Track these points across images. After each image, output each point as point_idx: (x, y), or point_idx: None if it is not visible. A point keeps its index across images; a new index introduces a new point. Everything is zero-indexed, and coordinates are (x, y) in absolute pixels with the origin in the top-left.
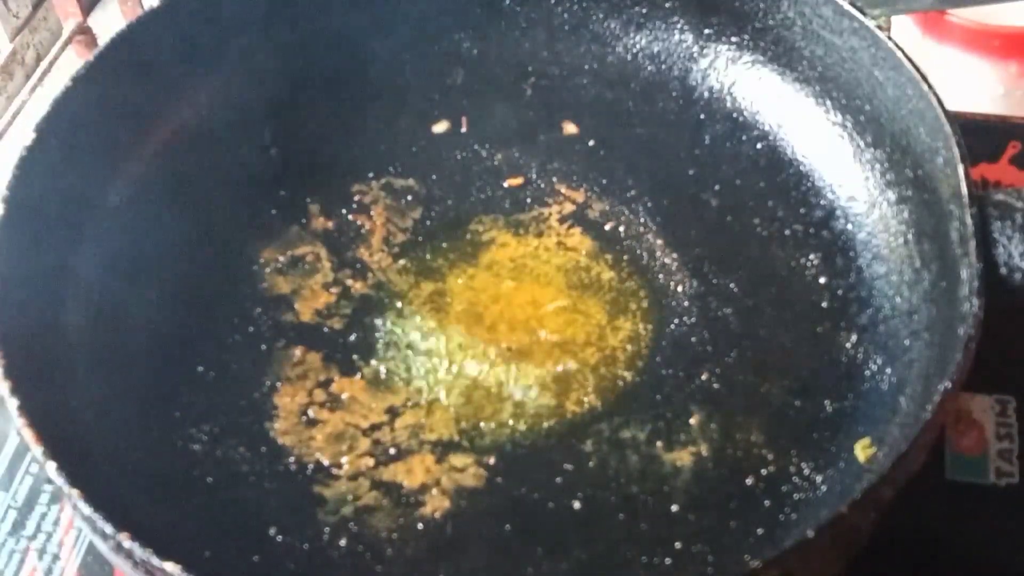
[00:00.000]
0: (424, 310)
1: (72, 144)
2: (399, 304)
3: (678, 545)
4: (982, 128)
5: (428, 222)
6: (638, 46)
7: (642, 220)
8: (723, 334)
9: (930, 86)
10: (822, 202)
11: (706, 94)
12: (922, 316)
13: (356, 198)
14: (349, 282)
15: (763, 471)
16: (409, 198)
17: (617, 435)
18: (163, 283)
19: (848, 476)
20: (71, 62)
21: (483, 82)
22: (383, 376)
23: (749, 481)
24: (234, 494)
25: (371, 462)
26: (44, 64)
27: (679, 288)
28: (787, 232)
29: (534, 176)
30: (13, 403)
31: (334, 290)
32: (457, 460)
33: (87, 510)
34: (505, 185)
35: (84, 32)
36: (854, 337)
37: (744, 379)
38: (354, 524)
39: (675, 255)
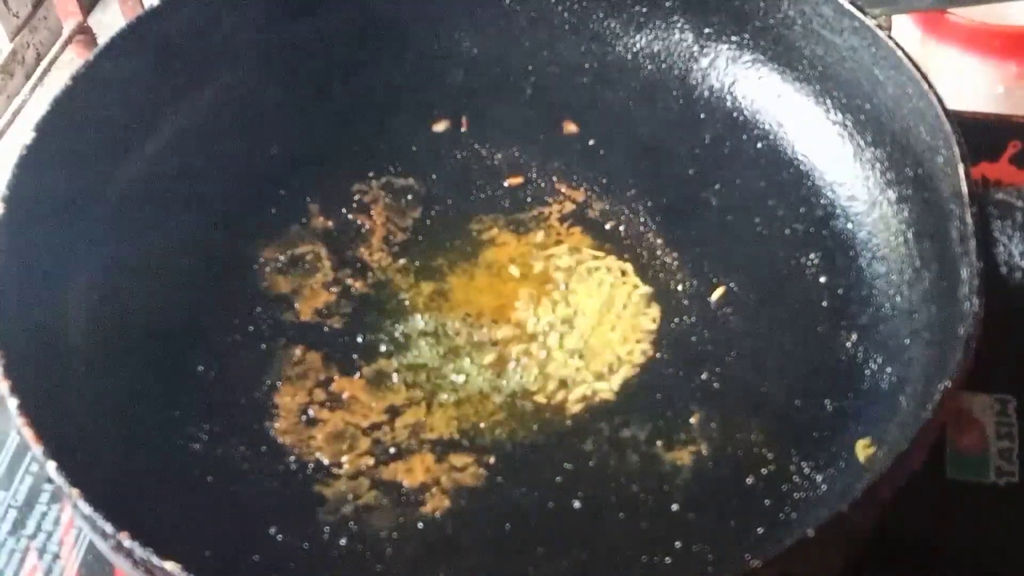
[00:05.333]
0: (424, 309)
1: (72, 144)
2: (399, 303)
3: (678, 544)
4: (982, 127)
5: (428, 221)
6: (638, 45)
7: (642, 219)
8: (723, 334)
9: (930, 85)
10: (822, 201)
11: (706, 93)
12: (922, 315)
13: (356, 197)
14: (349, 281)
15: (763, 470)
16: (409, 197)
17: (617, 434)
18: (163, 282)
19: (848, 475)
20: (71, 61)
21: (483, 81)
22: (383, 375)
23: (749, 480)
24: (234, 493)
25: (371, 461)
26: (44, 63)
27: (679, 288)
28: (787, 231)
29: (534, 175)
30: (13, 402)
31: (334, 289)
32: (457, 459)
33: (87, 509)
34: (505, 184)
35: (84, 31)
36: (854, 336)
37: (744, 379)
38: (354, 523)
39: (675, 255)
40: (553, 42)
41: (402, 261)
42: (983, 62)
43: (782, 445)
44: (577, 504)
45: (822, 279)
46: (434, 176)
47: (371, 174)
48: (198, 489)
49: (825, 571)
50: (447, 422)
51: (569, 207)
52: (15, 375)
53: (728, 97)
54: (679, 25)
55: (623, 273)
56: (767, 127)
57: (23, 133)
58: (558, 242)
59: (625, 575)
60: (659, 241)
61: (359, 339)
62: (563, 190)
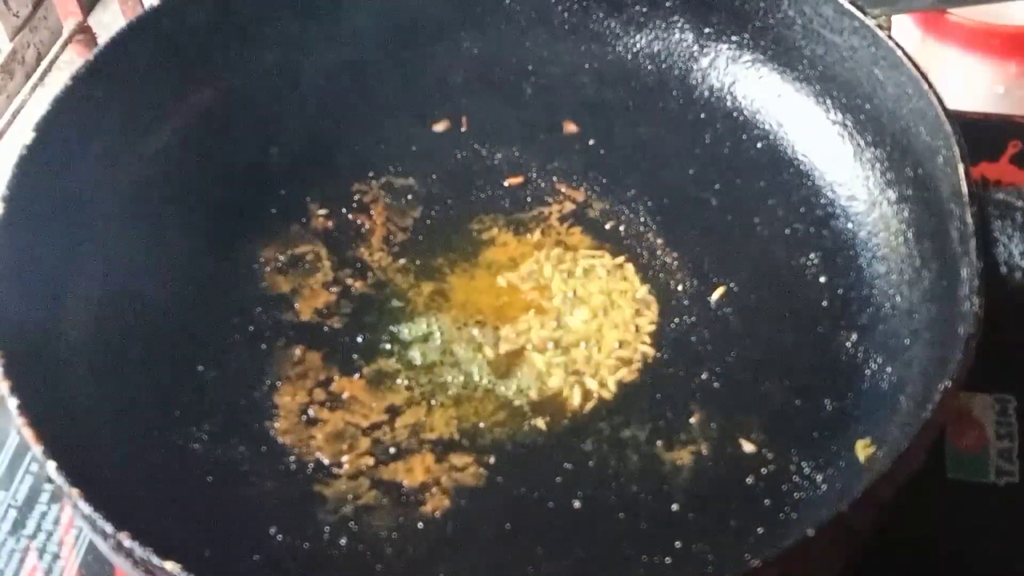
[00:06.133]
0: (424, 309)
1: (72, 143)
2: (399, 303)
3: (678, 544)
4: (982, 127)
5: (428, 221)
6: (638, 45)
7: (642, 219)
8: (723, 334)
9: (930, 85)
10: (822, 201)
11: (706, 93)
12: (922, 315)
13: (356, 197)
14: (349, 281)
15: (763, 470)
16: (409, 197)
17: (617, 434)
18: (163, 282)
19: (848, 475)
20: (71, 61)
21: (483, 81)
22: (383, 375)
23: (749, 480)
24: (234, 493)
25: (371, 461)
26: (44, 63)
27: (679, 288)
28: (787, 231)
29: (534, 175)
30: (13, 402)
31: (334, 289)
32: (457, 459)
33: (87, 509)
34: (505, 184)
35: (84, 31)
36: (854, 336)
37: (744, 379)
38: (354, 523)
39: (675, 255)
40: (553, 42)
41: (402, 261)
42: (983, 62)
43: (782, 445)
44: (577, 504)
45: (822, 279)
46: (434, 176)
47: (371, 174)
48: (198, 489)
49: (825, 571)
50: (447, 422)
51: (569, 207)
52: (15, 375)
53: (728, 97)
54: (679, 25)
55: (623, 273)
56: (767, 127)
57: (23, 133)
58: (558, 242)
59: (625, 575)
60: (659, 241)
61: (359, 339)
62: (563, 190)
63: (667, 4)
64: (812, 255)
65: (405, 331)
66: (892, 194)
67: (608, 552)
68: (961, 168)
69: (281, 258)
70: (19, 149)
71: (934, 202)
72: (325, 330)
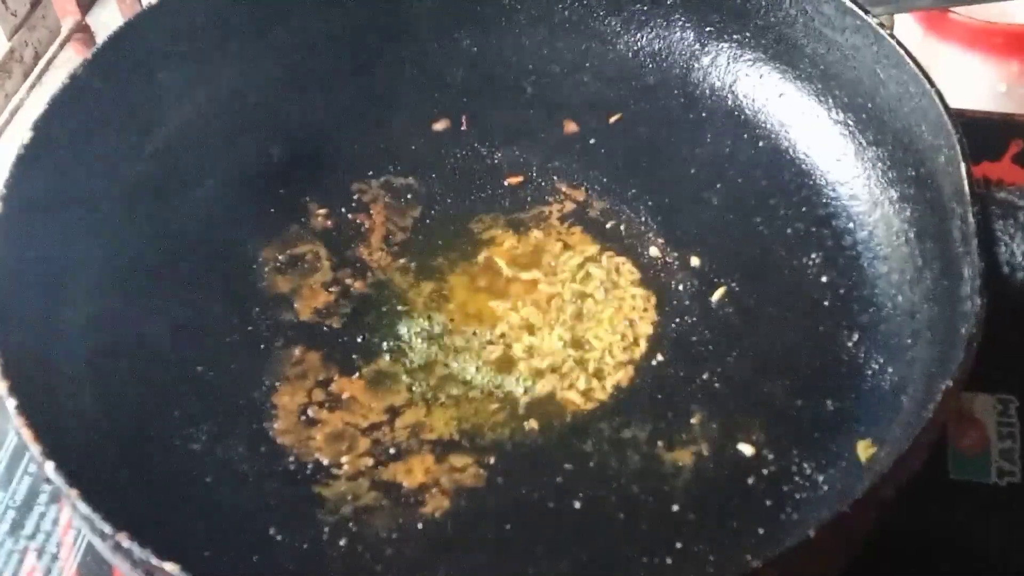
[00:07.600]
0: (424, 309)
1: (70, 142)
2: (399, 303)
3: (678, 545)
4: (984, 126)
5: (428, 220)
6: (639, 44)
7: (643, 219)
8: (723, 334)
9: (932, 84)
10: (823, 200)
11: (707, 92)
12: (924, 315)
13: (356, 196)
14: (348, 281)
15: (764, 471)
16: (409, 196)
17: (618, 435)
18: (162, 282)
19: (849, 476)
20: (69, 60)
21: (483, 80)
22: (383, 375)
23: (750, 481)
24: (234, 494)
25: (371, 462)
26: (42, 62)
27: (679, 288)
28: (788, 231)
29: (534, 174)
30: (12, 403)
31: (333, 289)
32: (457, 460)
33: (86, 510)
34: (505, 183)
35: (82, 30)
36: (856, 336)
37: (744, 379)
38: (354, 524)
39: (675, 254)
40: (553, 41)
41: (402, 261)
42: (985, 61)
43: (783, 445)
44: (577, 504)
45: (823, 279)
46: (434, 176)
47: (371, 173)
48: (198, 489)
49: (826, 572)
50: (447, 422)
51: (569, 206)
52: (14, 375)
53: (729, 96)
54: (680, 23)
55: (623, 273)
56: (768, 126)
57: (21, 132)
58: (558, 242)
59: (625, 575)
60: (659, 241)
61: (359, 339)
62: (563, 189)
63: (668, 2)
64: (813, 255)
65: (405, 331)
66: (894, 193)
67: (608, 552)
68: (963, 167)
69: (281, 258)
70: (17, 148)
71: (936, 201)
72: (325, 330)
